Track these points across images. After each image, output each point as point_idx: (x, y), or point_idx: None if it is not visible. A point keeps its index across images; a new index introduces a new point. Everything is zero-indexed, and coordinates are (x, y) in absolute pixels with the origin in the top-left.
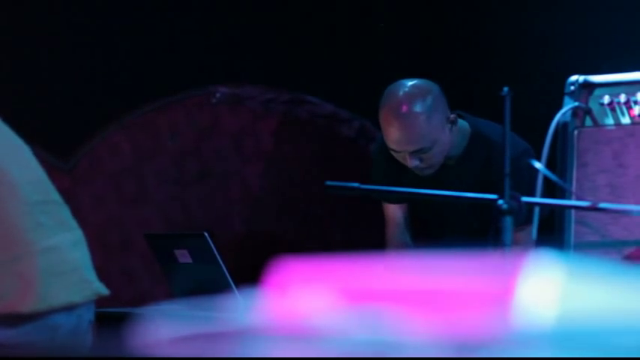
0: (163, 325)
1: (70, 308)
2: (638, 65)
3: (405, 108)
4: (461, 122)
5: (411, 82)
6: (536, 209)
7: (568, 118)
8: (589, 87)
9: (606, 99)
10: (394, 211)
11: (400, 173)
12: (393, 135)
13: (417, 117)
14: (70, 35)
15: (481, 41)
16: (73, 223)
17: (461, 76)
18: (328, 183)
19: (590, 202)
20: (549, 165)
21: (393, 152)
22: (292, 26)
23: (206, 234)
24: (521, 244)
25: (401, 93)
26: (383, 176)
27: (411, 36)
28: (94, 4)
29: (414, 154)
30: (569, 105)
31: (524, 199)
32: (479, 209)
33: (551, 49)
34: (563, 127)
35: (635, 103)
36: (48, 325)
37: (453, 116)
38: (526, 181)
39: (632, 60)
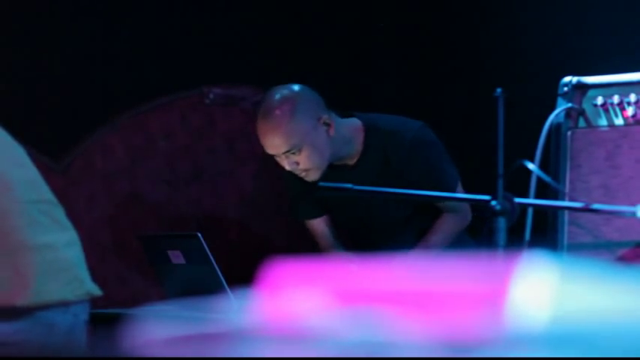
0: (156, 326)
1: (64, 306)
2: (631, 66)
3: (269, 112)
4: (351, 120)
5: (277, 89)
6: (530, 211)
7: (561, 119)
8: (582, 88)
9: (600, 100)
10: (318, 225)
11: (311, 186)
12: (263, 139)
13: (278, 119)
14: (64, 37)
15: (476, 42)
16: (68, 223)
17: (455, 77)
18: (321, 184)
19: (583, 203)
20: (543, 166)
21: (275, 157)
22: (286, 26)
23: (199, 235)
24: (444, 226)
25: (268, 99)
26: (297, 192)
27: (406, 37)
28: (87, 5)
29: (286, 156)
30: (562, 106)
31: (516, 199)
32: (394, 209)
33: (545, 50)
34: (556, 128)
35: (629, 104)
36: (44, 323)
37: (325, 117)
38: (430, 159)
39: (625, 61)
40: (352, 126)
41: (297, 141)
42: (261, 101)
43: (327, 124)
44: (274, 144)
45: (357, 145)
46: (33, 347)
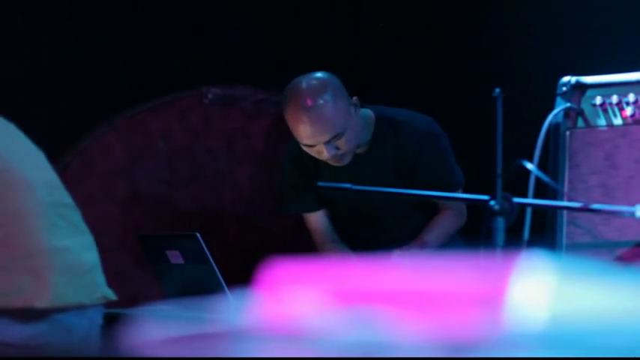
0: (155, 326)
1: (80, 309)
2: (630, 66)
3: (310, 102)
4: (363, 110)
5: (307, 78)
6: (528, 210)
7: (560, 119)
8: (581, 88)
9: (598, 100)
10: (317, 219)
11: (313, 179)
12: (305, 130)
13: (323, 107)
14: (63, 36)
15: (475, 42)
16: (85, 227)
17: (454, 76)
18: (320, 183)
19: (582, 203)
20: (541, 166)
21: (306, 148)
22: (285, 26)
23: (198, 235)
24: (444, 220)
25: (302, 89)
26: (298, 184)
27: (405, 37)
28: (87, 5)
29: (328, 143)
30: (561, 106)
31: (516, 199)
32: (393, 204)
33: (544, 50)
34: (555, 128)
35: (627, 104)
36: (62, 326)
37: (354, 99)
38: (442, 151)
39: (624, 61)
40: (365, 115)
41: (342, 126)
42: (289, 94)
43: (356, 106)
44: (319, 132)
45: (368, 133)
46: (50, 351)
